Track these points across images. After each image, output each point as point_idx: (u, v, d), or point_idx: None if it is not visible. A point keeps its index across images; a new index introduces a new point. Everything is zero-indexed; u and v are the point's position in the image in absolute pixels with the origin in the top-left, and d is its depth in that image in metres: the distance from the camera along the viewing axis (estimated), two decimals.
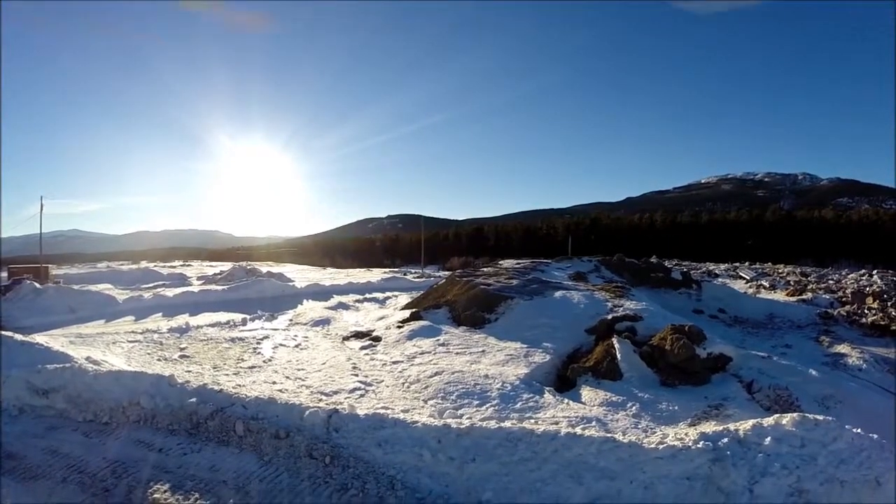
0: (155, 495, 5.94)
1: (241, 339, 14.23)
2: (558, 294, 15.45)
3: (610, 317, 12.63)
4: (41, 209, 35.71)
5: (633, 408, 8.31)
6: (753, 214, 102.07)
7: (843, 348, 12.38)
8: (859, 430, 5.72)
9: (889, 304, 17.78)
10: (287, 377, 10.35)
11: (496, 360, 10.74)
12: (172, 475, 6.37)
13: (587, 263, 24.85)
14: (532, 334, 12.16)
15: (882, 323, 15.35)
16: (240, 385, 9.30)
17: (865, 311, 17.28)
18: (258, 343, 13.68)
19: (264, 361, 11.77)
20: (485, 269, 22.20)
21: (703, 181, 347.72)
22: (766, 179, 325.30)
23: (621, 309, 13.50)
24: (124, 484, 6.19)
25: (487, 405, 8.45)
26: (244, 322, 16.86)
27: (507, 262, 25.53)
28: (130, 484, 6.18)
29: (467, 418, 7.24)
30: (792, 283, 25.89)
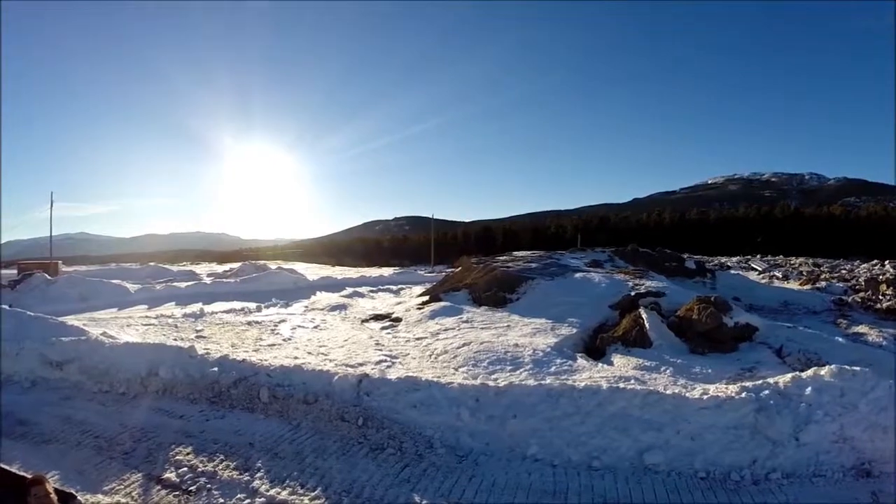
0: (177, 457, 5.65)
1: (257, 322, 13.96)
2: (579, 275, 15.19)
3: (633, 293, 12.40)
4: (51, 205, 35.66)
5: (668, 371, 8.06)
6: (762, 211, 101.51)
7: (861, 328, 12.25)
8: (893, 382, 5.65)
9: None
10: (309, 353, 10.04)
11: (523, 332, 10.43)
12: (195, 439, 6.10)
13: (601, 254, 24.59)
14: (556, 311, 11.85)
15: None
16: (261, 360, 9.03)
17: (880, 297, 17.05)
18: (275, 326, 13.40)
19: (284, 340, 11.51)
20: (500, 258, 21.93)
21: (709, 182, 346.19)
22: (773, 179, 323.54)
23: (643, 287, 13.26)
24: (143, 447, 5.91)
25: (521, 370, 8.15)
26: (259, 309, 16.56)
27: (522, 253, 25.23)
28: (150, 447, 5.91)
29: (503, 381, 6.95)
30: (804, 273, 25.64)
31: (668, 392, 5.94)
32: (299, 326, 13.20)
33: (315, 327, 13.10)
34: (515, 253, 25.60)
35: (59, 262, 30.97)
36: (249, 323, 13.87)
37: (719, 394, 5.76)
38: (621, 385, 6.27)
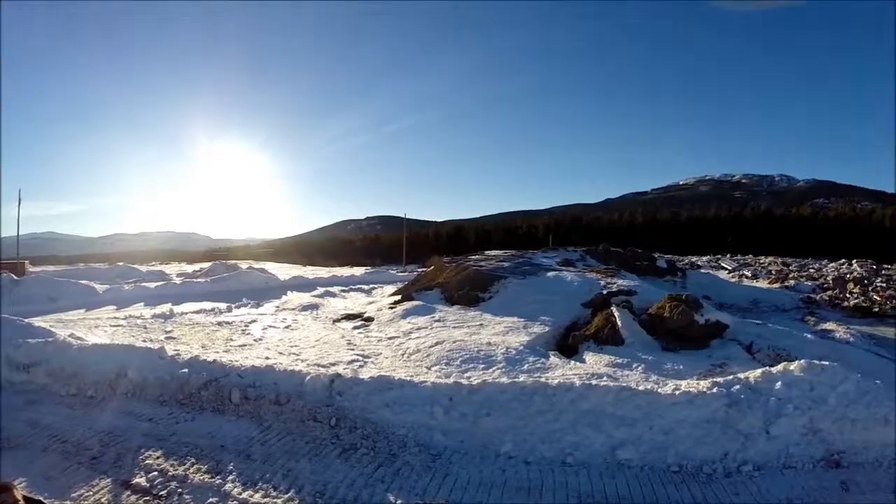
0: (147, 461, 5.55)
1: (228, 322, 13.77)
2: (551, 274, 15.30)
3: (605, 291, 12.54)
4: (19, 203, 34.73)
5: (640, 367, 8.19)
6: (732, 212, 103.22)
7: (829, 325, 12.63)
8: (861, 376, 5.89)
9: (870, 288, 18.27)
10: (280, 353, 9.95)
11: (496, 331, 10.50)
12: (165, 442, 5.98)
13: (573, 253, 24.80)
14: (529, 309, 11.93)
15: (864, 305, 15.68)
16: (232, 360, 8.91)
17: (847, 295, 17.55)
18: (246, 326, 13.24)
19: (255, 340, 11.38)
20: (473, 257, 21.95)
21: (680, 182, 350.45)
22: (744, 181, 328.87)
23: (615, 286, 13.40)
24: (113, 451, 5.78)
25: (494, 368, 8.20)
26: (230, 309, 16.34)
27: (494, 252, 25.25)
28: (119, 451, 5.77)
29: (476, 380, 6.97)
30: (773, 272, 26.17)
31: (640, 388, 6.05)
32: (270, 326, 13.07)
33: (286, 327, 12.98)
34: (488, 252, 25.58)
35: (26, 261, 30.30)
36: (220, 323, 13.68)
37: (691, 389, 5.89)
38: (594, 382, 6.34)
